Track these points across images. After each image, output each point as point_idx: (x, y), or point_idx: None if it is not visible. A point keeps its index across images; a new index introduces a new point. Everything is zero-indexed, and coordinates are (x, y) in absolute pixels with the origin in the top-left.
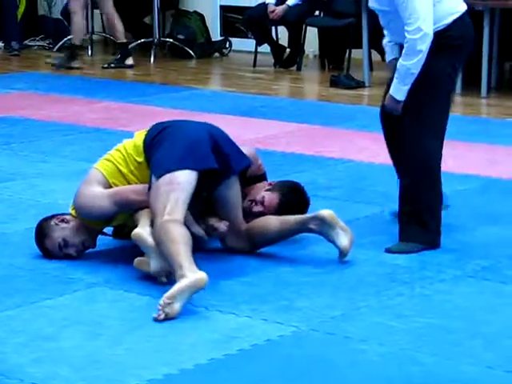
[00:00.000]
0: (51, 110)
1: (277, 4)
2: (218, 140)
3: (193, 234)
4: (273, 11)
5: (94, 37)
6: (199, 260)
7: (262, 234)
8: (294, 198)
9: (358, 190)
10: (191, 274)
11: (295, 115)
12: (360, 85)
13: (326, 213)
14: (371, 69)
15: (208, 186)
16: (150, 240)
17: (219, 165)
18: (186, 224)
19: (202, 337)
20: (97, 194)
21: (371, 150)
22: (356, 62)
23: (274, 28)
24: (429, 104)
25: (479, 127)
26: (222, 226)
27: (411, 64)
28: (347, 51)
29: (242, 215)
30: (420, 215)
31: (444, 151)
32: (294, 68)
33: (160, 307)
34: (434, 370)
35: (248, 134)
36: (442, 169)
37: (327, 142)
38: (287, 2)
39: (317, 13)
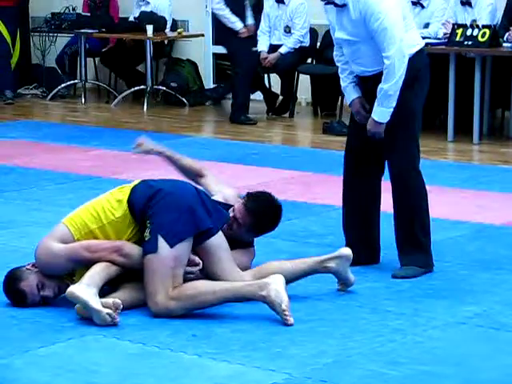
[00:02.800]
0: (45, 158)
1: (269, 52)
2: (204, 200)
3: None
4: (265, 59)
5: (87, 85)
6: None
7: None
8: (259, 198)
9: None
10: (264, 283)
11: (288, 162)
12: None
13: (347, 251)
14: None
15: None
16: (83, 296)
17: (210, 219)
18: None
19: None
20: (53, 250)
21: None
22: (348, 109)
23: (266, 75)
24: (408, 130)
25: (471, 174)
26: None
27: (389, 86)
28: (339, 98)
29: (236, 269)
30: (416, 237)
31: (436, 198)
32: (287, 115)
33: (288, 313)
34: None
35: (241, 182)
36: (435, 215)
37: (320, 189)
38: (279, 50)
39: (309, 60)
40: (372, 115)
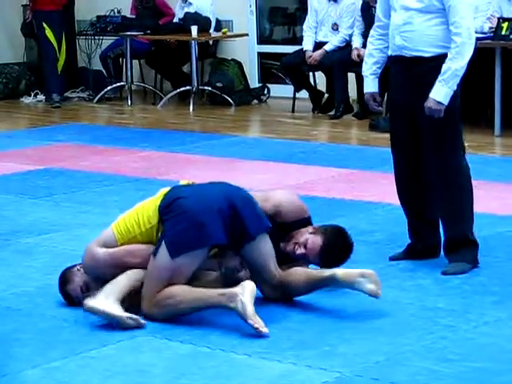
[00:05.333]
0: (92, 160)
1: (314, 50)
2: (236, 207)
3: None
4: (310, 56)
5: (133, 86)
6: None
7: (295, 286)
8: (337, 241)
9: (398, 233)
10: (232, 294)
11: (335, 160)
12: None
13: (339, 272)
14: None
15: (231, 247)
16: (100, 307)
17: (232, 234)
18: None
19: None
20: (97, 256)
21: None
22: None
23: (311, 73)
24: (456, 127)
25: None
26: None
27: (460, 66)
28: (385, 95)
29: (273, 271)
30: (464, 233)
31: (484, 192)
32: (333, 113)
33: (258, 325)
34: None
35: (288, 180)
36: (483, 210)
37: (367, 187)
38: (324, 47)
39: None
40: (433, 95)
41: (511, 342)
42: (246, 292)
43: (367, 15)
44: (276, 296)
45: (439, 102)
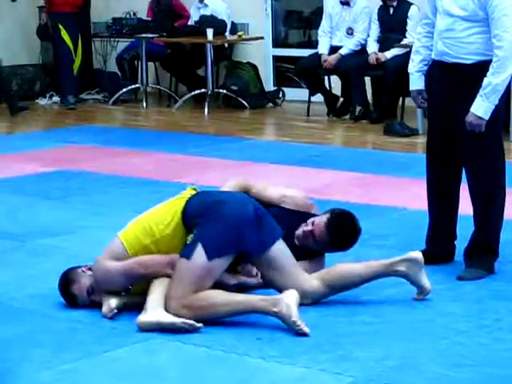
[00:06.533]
0: (107, 162)
1: (329, 54)
2: (260, 215)
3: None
4: (326, 60)
5: (148, 89)
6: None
7: (343, 279)
8: (343, 217)
9: (413, 238)
10: (277, 299)
11: (349, 164)
12: (414, 132)
13: (417, 255)
14: (425, 116)
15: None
16: (152, 319)
17: (256, 242)
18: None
19: None
20: (109, 269)
21: (426, 197)
22: (409, 110)
23: (326, 77)
24: (495, 138)
25: None
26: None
27: (501, 81)
28: (400, 99)
29: (301, 274)
30: (489, 242)
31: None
32: (348, 117)
33: (301, 325)
34: None
35: (302, 184)
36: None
37: (382, 191)
38: (340, 51)
39: None
40: (474, 110)
41: None
42: (290, 296)
43: (385, 16)
44: (315, 292)
45: (480, 117)
